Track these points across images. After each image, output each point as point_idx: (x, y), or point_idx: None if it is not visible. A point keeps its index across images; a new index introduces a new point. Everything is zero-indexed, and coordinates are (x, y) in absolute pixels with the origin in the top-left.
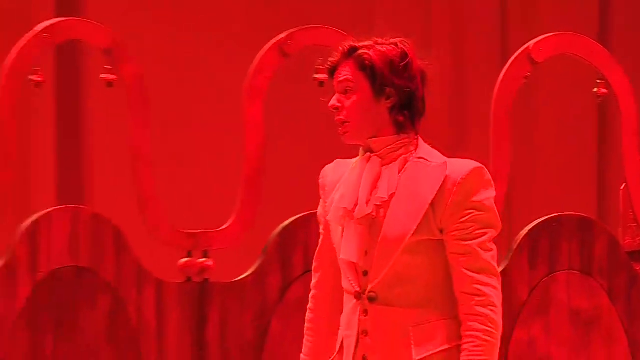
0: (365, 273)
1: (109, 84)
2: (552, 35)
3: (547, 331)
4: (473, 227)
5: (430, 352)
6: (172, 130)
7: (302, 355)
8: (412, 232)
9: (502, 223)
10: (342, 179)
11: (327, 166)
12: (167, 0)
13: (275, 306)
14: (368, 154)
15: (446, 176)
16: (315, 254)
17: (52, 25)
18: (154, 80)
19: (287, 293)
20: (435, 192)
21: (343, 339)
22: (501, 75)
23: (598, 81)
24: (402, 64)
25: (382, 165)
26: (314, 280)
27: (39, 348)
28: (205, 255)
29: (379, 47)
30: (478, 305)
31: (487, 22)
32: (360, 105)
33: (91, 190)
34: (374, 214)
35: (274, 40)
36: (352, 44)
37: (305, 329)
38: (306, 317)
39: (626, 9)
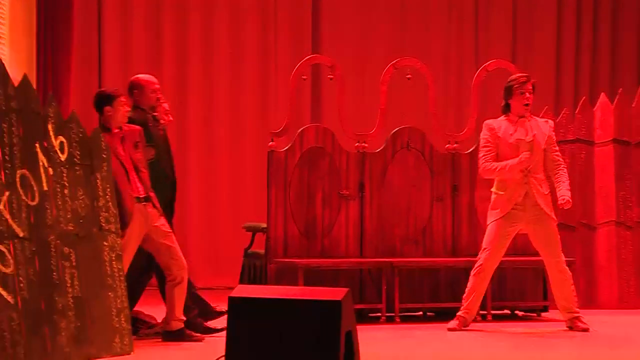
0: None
1: (331, 79)
2: (494, 60)
3: None
4: (554, 144)
5: (547, 192)
6: (354, 94)
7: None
8: (542, 146)
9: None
10: (503, 127)
11: (493, 121)
12: (353, 36)
13: (390, 161)
14: (521, 118)
15: (549, 126)
16: (488, 152)
17: (309, 58)
18: (347, 76)
19: (395, 156)
20: (549, 132)
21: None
22: (474, 76)
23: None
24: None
25: (526, 122)
26: (489, 157)
27: (304, 176)
28: (364, 142)
29: (532, 80)
30: (560, 169)
31: (469, 58)
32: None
33: (321, 118)
34: (531, 139)
35: (391, 63)
36: (528, 75)
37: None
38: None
39: (525, 45)
